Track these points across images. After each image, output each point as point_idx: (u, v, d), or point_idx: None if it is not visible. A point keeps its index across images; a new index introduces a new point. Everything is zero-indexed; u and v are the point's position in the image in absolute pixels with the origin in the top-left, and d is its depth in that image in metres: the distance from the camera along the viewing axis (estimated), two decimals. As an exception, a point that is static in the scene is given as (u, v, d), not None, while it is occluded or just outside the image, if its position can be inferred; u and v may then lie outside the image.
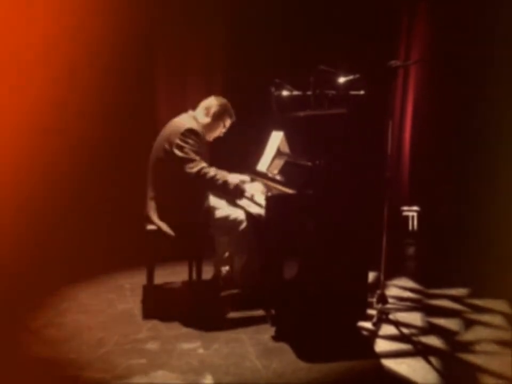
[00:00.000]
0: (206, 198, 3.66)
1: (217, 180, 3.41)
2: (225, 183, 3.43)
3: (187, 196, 3.47)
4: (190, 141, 3.43)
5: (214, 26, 5.45)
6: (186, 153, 3.40)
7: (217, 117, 3.66)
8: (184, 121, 3.57)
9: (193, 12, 5.37)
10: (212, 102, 3.68)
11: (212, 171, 3.42)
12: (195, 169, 3.38)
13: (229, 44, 5.48)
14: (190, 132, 3.45)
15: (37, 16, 4.85)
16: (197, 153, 3.43)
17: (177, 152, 3.41)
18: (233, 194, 3.51)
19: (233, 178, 3.53)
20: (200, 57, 5.47)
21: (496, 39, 5.29)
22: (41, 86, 4.96)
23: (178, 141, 3.42)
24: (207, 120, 3.65)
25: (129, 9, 5.13)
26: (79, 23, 5.00)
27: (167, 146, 3.47)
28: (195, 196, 3.52)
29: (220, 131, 3.75)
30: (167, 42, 5.40)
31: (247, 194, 3.52)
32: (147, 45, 5.33)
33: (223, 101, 3.71)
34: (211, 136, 3.75)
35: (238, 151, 4.44)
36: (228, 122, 3.74)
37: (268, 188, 3.56)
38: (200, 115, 3.67)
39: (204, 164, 3.43)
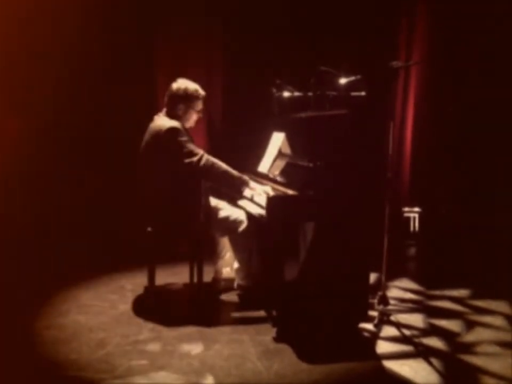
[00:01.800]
0: (205, 198, 3.64)
1: (220, 166, 3.40)
2: (227, 171, 3.41)
3: (184, 197, 3.46)
4: (176, 136, 3.40)
5: (214, 27, 5.46)
6: (180, 148, 3.37)
7: (185, 107, 3.57)
8: (161, 122, 3.51)
9: (194, 12, 5.37)
10: (173, 95, 3.57)
11: (212, 158, 3.42)
12: (196, 158, 3.37)
13: (229, 45, 5.48)
14: (172, 130, 3.41)
15: (36, 16, 4.87)
16: (190, 142, 3.42)
17: (169, 152, 3.38)
18: (236, 185, 3.44)
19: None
20: (201, 58, 5.47)
21: (497, 39, 5.29)
22: (41, 84, 4.98)
23: (165, 142, 3.40)
24: (178, 113, 3.56)
25: (129, 10, 5.15)
26: (78, 22, 5.01)
27: (150, 151, 3.48)
28: (192, 197, 3.50)
29: (196, 115, 3.65)
30: (167, 43, 5.41)
31: (250, 187, 3.44)
32: (147, 46, 5.34)
33: (181, 86, 3.56)
34: (192, 123, 3.67)
35: (239, 152, 4.44)
36: (199, 104, 3.63)
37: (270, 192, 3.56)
38: (171, 111, 3.58)
39: (202, 151, 3.42)
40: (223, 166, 3.42)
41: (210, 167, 3.39)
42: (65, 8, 4.92)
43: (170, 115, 3.57)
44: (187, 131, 3.55)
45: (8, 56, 4.88)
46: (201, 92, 3.63)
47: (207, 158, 3.39)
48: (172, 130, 3.41)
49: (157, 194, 3.52)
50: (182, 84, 3.60)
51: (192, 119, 3.65)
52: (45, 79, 5.00)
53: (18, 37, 4.88)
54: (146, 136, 3.56)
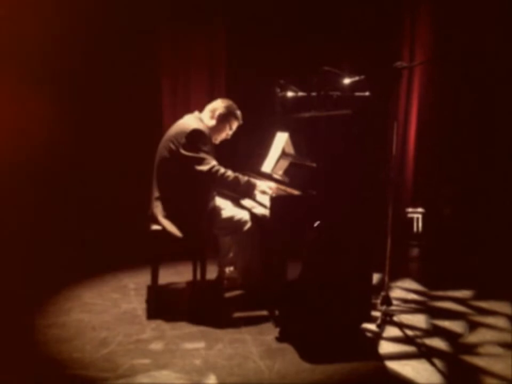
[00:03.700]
0: (211, 198, 3.66)
1: (228, 176, 3.41)
2: (236, 178, 3.43)
3: (192, 195, 3.47)
4: (197, 140, 3.42)
5: (217, 27, 5.46)
6: (195, 152, 3.40)
7: (223, 119, 3.65)
8: (190, 122, 3.56)
9: (196, 12, 5.38)
10: (218, 104, 3.68)
11: (223, 168, 3.44)
12: (206, 168, 3.38)
13: (232, 45, 5.48)
14: (196, 132, 3.44)
15: (36, 16, 4.89)
16: (206, 152, 3.43)
17: (184, 152, 3.40)
18: (244, 189, 3.48)
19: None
20: (204, 58, 5.47)
21: (501, 39, 5.27)
22: (41, 84, 4.99)
23: (185, 141, 3.41)
24: (212, 122, 3.64)
25: (134, 11, 5.16)
26: (79, 21, 5.02)
27: (172, 146, 3.46)
28: (200, 196, 3.52)
29: (226, 133, 3.73)
30: (171, 44, 5.41)
31: (257, 190, 3.50)
32: (150, 47, 5.35)
33: (230, 103, 3.70)
34: (217, 139, 3.73)
35: (242, 152, 4.44)
36: (234, 125, 3.73)
37: (274, 188, 3.56)
38: (206, 117, 3.66)
39: (214, 162, 3.43)
40: (231, 176, 3.43)
41: (219, 178, 3.41)
42: (66, 8, 4.93)
43: (205, 121, 3.61)
44: (211, 142, 3.59)
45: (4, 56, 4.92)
46: (241, 119, 3.72)
47: (217, 169, 3.40)
48: (196, 131, 3.44)
49: (165, 190, 3.52)
50: (228, 101, 3.71)
51: (222, 133, 3.71)
52: (45, 79, 5.01)
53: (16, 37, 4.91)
54: (171, 130, 3.59)
